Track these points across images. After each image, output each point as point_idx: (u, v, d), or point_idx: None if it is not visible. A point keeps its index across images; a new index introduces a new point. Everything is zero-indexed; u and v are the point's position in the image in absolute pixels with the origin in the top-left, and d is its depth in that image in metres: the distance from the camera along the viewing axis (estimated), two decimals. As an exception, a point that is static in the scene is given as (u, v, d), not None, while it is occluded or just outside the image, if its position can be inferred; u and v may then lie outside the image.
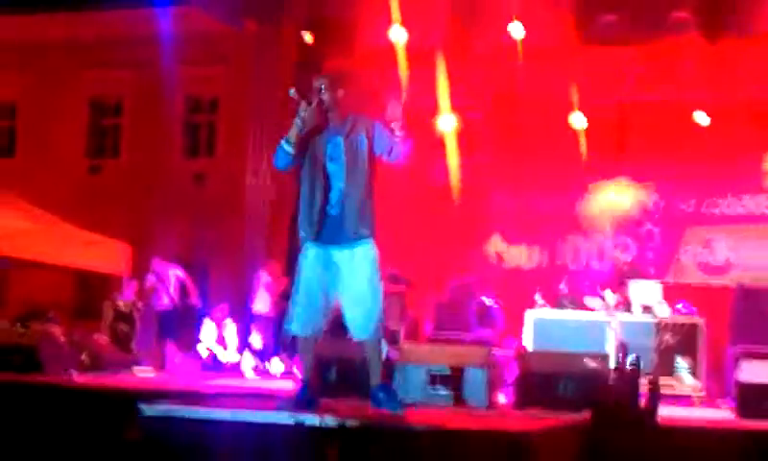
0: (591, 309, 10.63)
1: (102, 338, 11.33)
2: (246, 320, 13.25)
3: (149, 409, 5.06)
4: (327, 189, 5.35)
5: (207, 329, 13.34)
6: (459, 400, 6.95)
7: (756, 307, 10.48)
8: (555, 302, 10.81)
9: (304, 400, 5.31)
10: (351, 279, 5.33)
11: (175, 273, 13.45)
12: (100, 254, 13.18)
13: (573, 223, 15.53)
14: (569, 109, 14.23)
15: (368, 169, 5.39)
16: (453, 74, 14.86)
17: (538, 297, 10.97)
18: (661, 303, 10.30)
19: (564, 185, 15.53)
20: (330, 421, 4.72)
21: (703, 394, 9.81)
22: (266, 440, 4.78)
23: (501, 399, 7.72)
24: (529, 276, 14.97)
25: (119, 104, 19.27)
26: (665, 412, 7.86)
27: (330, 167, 5.36)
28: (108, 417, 6.54)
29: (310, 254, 5.39)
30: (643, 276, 11.20)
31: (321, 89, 5.40)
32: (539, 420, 5.84)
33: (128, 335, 12.54)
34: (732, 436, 5.99)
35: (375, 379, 5.43)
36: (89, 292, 16.94)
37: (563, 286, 11.72)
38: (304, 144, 5.38)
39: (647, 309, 10.27)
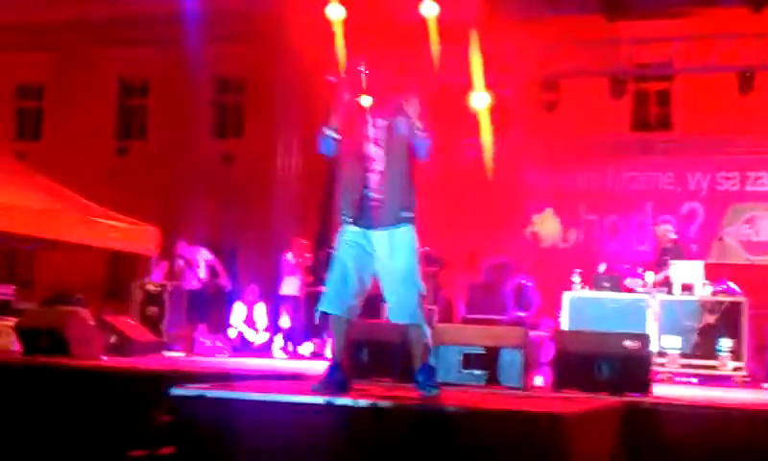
0: (631, 290, 10.56)
1: (131, 320, 11.41)
2: (275, 301, 13.33)
3: (178, 391, 5.10)
4: (368, 172, 5.39)
5: (237, 311, 13.45)
6: (494, 381, 6.94)
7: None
8: (593, 282, 10.74)
9: (336, 381, 5.34)
10: (390, 263, 5.37)
11: (203, 255, 13.55)
12: (128, 235, 13.28)
13: (611, 201, 15.46)
14: (606, 83, 14.10)
15: (408, 153, 5.41)
16: (486, 50, 14.81)
17: (575, 277, 10.90)
18: (703, 282, 10.20)
19: (602, 162, 15.47)
20: (362, 402, 4.74)
21: (745, 375, 9.73)
22: (297, 420, 4.80)
23: (537, 380, 7.70)
24: (565, 255, 14.93)
25: (145, 84, 19.42)
26: (708, 395, 7.83)
27: (372, 150, 5.40)
28: (138, 399, 6.62)
29: (348, 236, 5.45)
30: (686, 255, 11.10)
31: (361, 70, 5.42)
32: (575, 401, 5.83)
33: (157, 317, 12.64)
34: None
35: (417, 362, 5.48)
36: (118, 274, 17.14)
37: (601, 267, 11.66)
38: (349, 125, 5.43)
39: (688, 289, 10.18)
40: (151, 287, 12.99)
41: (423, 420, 4.68)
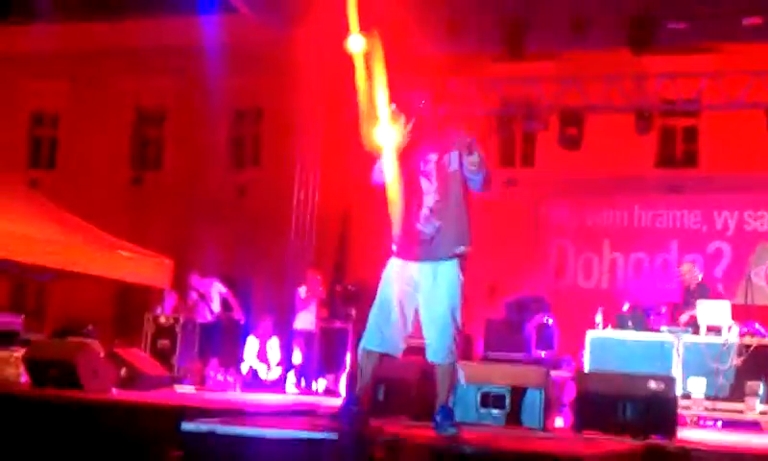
0: (656, 330, 10.49)
1: (142, 353, 11.42)
2: (289, 336, 13.33)
3: (190, 426, 5.08)
4: (419, 206, 5.45)
5: (250, 346, 13.44)
6: (513, 421, 6.90)
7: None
8: (616, 322, 10.68)
9: (353, 415, 5.33)
10: (432, 299, 5.40)
11: (216, 288, 13.58)
12: (141, 266, 13.32)
13: (636, 239, 15.40)
14: (632, 119, 14.10)
15: (461, 188, 5.47)
16: (508, 83, 14.88)
17: (598, 316, 10.84)
18: (730, 324, 10.13)
19: (627, 199, 15.43)
20: (380, 438, 4.72)
21: (775, 420, 9.62)
22: (309, 457, 4.78)
23: (558, 422, 7.65)
24: (589, 294, 14.87)
25: (162, 114, 19.56)
26: (734, 439, 7.74)
27: (423, 184, 5.46)
28: (148, 434, 6.60)
29: (393, 269, 5.49)
30: (712, 295, 11.03)
31: (421, 104, 5.50)
32: (596, 444, 5.78)
33: (168, 351, 12.66)
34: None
35: (440, 401, 5.48)
36: (130, 306, 17.18)
37: (625, 306, 11.60)
38: (401, 158, 5.47)
39: (715, 330, 10.10)
40: (162, 320, 13.02)
41: (440, 458, 4.65)
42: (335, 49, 15.54)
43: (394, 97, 5.63)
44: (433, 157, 5.46)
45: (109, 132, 19.15)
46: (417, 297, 5.44)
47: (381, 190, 5.58)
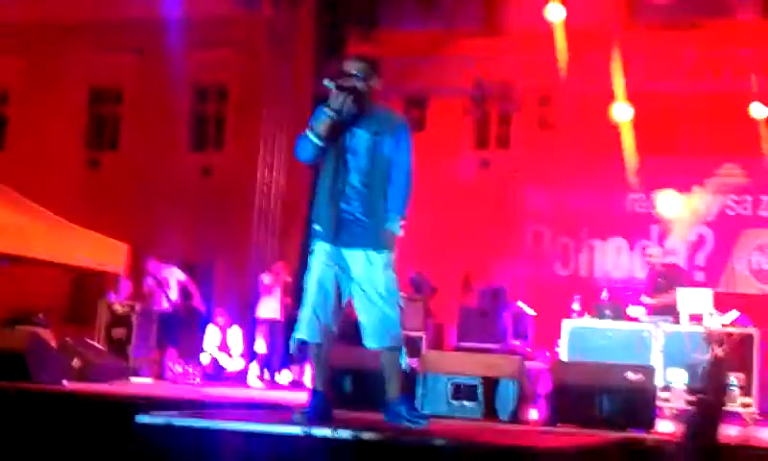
0: (635, 319, 10.52)
1: (96, 343, 11.32)
2: (252, 325, 13.26)
3: (144, 418, 5.02)
4: (345, 185, 5.30)
5: (210, 335, 13.36)
6: (486, 413, 6.88)
7: (816, 319, 10.38)
8: (594, 310, 10.70)
9: (318, 411, 5.26)
10: (364, 284, 5.29)
11: (175, 274, 13.47)
12: (96, 251, 13.18)
13: (616, 224, 15.45)
14: (612, 99, 14.12)
15: (388, 170, 5.35)
16: (484, 64, 14.87)
17: (575, 305, 10.86)
18: (712, 312, 10.17)
19: (606, 183, 15.46)
20: (344, 433, 4.67)
21: (755, 412, 9.68)
22: (272, 452, 4.73)
23: (533, 414, 7.65)
24: (566, 281, 14.92)
25: (119, 92, 19.36)
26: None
27: (351, 162, 5.32)
28: (102, 427, 6.53)
29: (322, 254, 5.34)
30: (685, 281, 11.07)
31: (356, 76, 5.34)
32: (572, 437, 5.78)
33: (124, 340, 12.55)
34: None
35: (393, 392, 5.36)
36: (84, 294, 17.01)
37: (604, 294, 11.63)
38: (335, 136, 5.31)
39: (696, 319, 10.14)
40: (118, 308, 12.90)
41: (410, 453, 4.61)
42: (303, 24, 15.53)
43: (331, 70, 5.51)
44: (364, 134, 5.31)
45: (63, 110, 18.93)
46: (349, 284, 5.33)
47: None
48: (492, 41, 15.44)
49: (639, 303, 10.99)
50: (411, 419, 5.24)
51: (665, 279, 10.82)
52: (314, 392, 5.41)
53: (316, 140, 5.27)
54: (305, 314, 5.32)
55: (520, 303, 12.47)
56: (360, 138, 5.31)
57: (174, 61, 16.75)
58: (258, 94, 16.10)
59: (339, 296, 5.33)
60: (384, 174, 5.32)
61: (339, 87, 5.25)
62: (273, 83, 15.83)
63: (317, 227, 5.36)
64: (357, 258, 5.30)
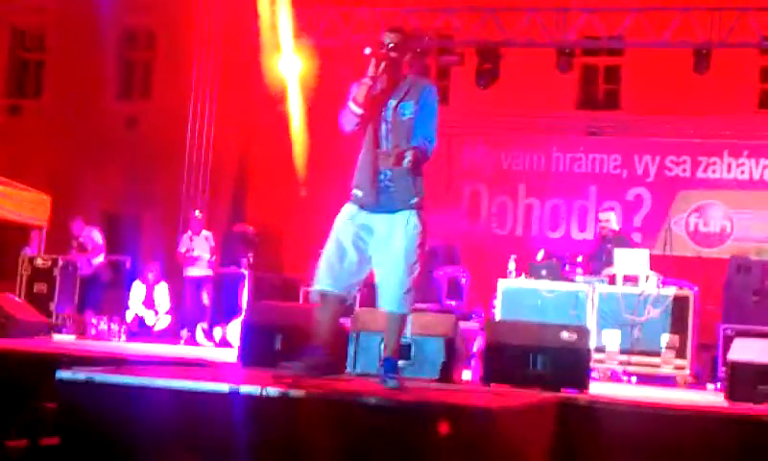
0: (571, 280, 10.66)
1: (16, 298, 11.17)
2: (181, 283, 13.19)
3: (64, 374, 4.98)
4: (379, 154, 5.57)
5: (136, 292, 13.25)
6: (418, 372, 6.94)
7: (751, 282, 10.60)
8: (530, 270, 10.82)
9: (312, 364, 5.37)
10: (387, 246, 5.52)
11: (95, 237, 13.36)
12: (16, 203, 12.99)
13: (553, 183, 15.58)
14: (553, 55, 14.18)
15: (412, 134, 5.56)
16: (423, 14, 14.81)
17: (511, 265, 10.96)
18: (648, 273, 10.34)
19: (545, 142, 15.58)
20: (272, 391, 4.69)
21: (689, 375, 9.90)
22: (197, 410, 4.73)
23: (466, 374, 7.73)
24: (502, 241, 15.03)
25: (41, 35, 18.99)
26: (648, 394, 7.95)
27: (382, 131, 5.58)
28: (20, 384, 6.48)
29: (348, 214, 5.61)
30: (629, 244, 11.26)
31: (389, 46, 5.59)
32: (505, 396, 5.86)
33: (46, 296, 12.40)
34: (720, 422, 6.01)
35: (386, 352, 5.65)
36: (4, 247, 16.75)
37: (539, 254, 11.75)
38: (372, 104, 5.56)
39: (631, 280, 10.30)
40: (39, 262, 12.73)
41: (339, 410, 4.65)
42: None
43: (367, 41, 5.68)
44: (392, 102, 5.58)
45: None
46: (371, 244, 5.57)
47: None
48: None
49: (576, 265, 11.13)
50: (384, 378, 5.48)
51: (615, 245, 10.95)
52: (313, 345, 5.51)
53: (354, 108, 5.53)
54: (321, 266, 5.57)
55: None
56: (389, 107, 5.59)
57: (100, 3, 16.44)
58: (189, 40, 15.89)
59: (359, 257, 5.55)
60: (407, 139, 5.55)
61: (375, 56, 5.52)
62: (205, 28, 15.64)
63: (357, 191, 5.63)
64: (380, 221, 5.57)
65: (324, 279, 5.53)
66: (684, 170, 15.08)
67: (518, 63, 14.76)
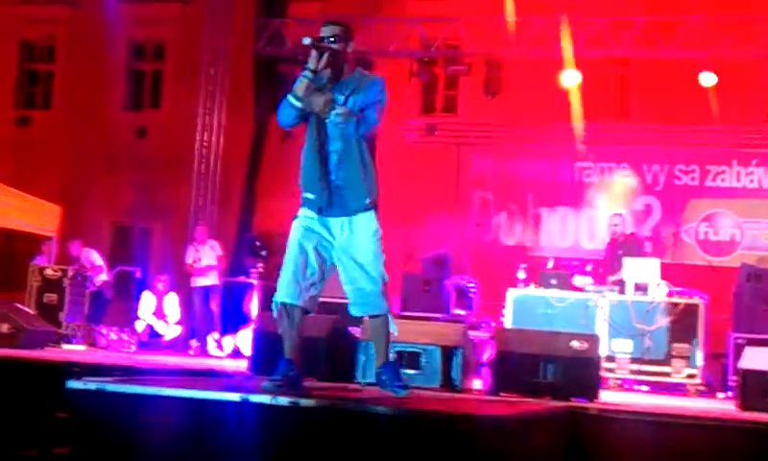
0: (580, 289, 10.66)
1: (26, 308, 11.18)
2: (190, 293, 13.21)
3: (76, 384, 4.98)
4: (326, 152, 5.39)
5: (146, 302, 13.27)
6: (428, 381, 6.93)
7: (762, 291, 10.57)
8: (539, 280, 10.82)
9: (288, 379, 5.27)
10: (346, 252, 5.37)
11: (93, 257, 13.40)
12: (26, 213, 13.01)
13: (562, 193, 15.56)
14: (561, 65, 14.18)
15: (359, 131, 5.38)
16: (432, 23, 14.83)
17: (521, 274, 10.97)
18: (658, 282, 10.33)
19: (553, 151, 15.56)
20: (282, 400, 4.68)
21: (700, 384, 9.88)
22: (208, 419, 4.73)
23: (476, 383, 7.72)
24: (511, 250, 15.01)
25: (52, 47, 19.03)
26: (659, 403, 7.93)
27: (329, 128, 5.38)
28: (31, 394, 6.48)
29: (304, 220, 5.44)
30: (641, 250, 11.25)
31: (331, 39, 5.39)
32: (515, 405, 5.84)
33: (56, 306, 12.41)
34: (731, 430, 5.99)
35: (379, 358, 5.52)
36: (14, 258, 16.78)
37: (549, 263, 11.75)
38: (312, 98, 5.36)
39: (642, 289, 10.29)
40: (49, 272, 12.74)
41: (349, 420, 4.64)
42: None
43: (306, 32, 5.56)
44: (339, 98, 5.38)
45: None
46: (332, 250, 5.42)
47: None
48: (439, 2, 15.43)
49: (586, 273, 11.12)
50: (392, 387, 5.38)
51: (626, 251, 10.94)
52: (283, 359, 5.42)
53: (294, 101, 5.35)
54: (284, 277, 5.40)
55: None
56: (336, 102, 5.35)
57: (109, 15, 16.48)
58: (197, 52, 15.94)
59: (321, 264, 5.40)
60: (358, 139, 5.35)
61: (315, 47, 5.33)
62: (212, 41, 15.68)
63: (308, 195, 5.44)
64: (339, 226, 5.40)
65: (286, 292, 5.36)
66: (693, 179, 15.05)
67: (526, 73, 14.76)
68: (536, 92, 14.93)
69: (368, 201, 5.40)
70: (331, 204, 5.38)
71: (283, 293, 5.37)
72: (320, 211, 5.40)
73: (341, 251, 5.39)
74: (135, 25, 17.66)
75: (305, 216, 5.44)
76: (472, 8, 14.66)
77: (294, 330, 5.43)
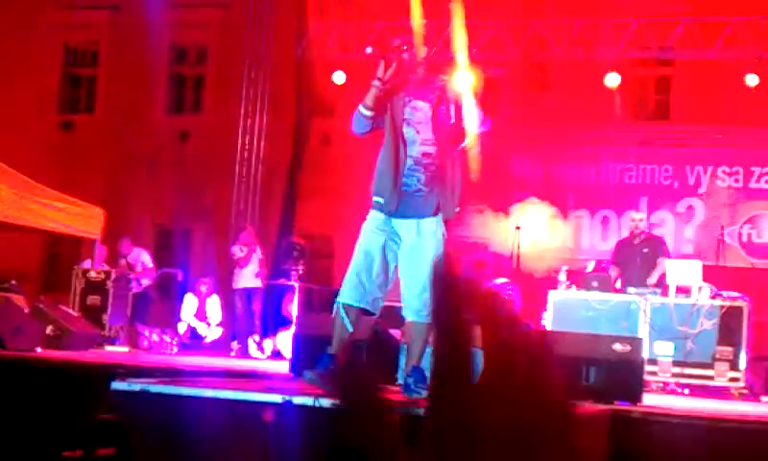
0: (622, 291, 10.59)
1: (70, 310, 11.29)
2: (231, 295, 13.27)
3: (120, 385, 5.02)
4: (407, 158, 5.44)
5: (188, 304, 13.36)
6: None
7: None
8: (581, 282, 10.75)
9: (330, 371, 5.30)
10: (414, 254, 5.41)
11: (144, 258, 13.48)
12: (70, 217, 13.14)
13: (603, 195, 15.45)
14: (605, 66, 14.09)
15: (450, 141, 5.49)
16: (472, 24, 14.77)
17: (562, 276, 10.91)
18: (701, 284, 10.23)
19: (595, 153, 15.46)
20: (324, 402, 4.69)
21: (743, 387, 9.77)
22: (250, 420, 4.75)
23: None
24: (552, 252, 14.91)
25: (95, 51, 19.20)
26: (701, 406, 7.85)
27: (409, 134, 5.46)
28: (76, 395, 6.53)
29: (373, 223, 5.50)
30: (662, 254, 11.10)
31: (402, 47, 5.50)
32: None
33: (99, 308, 12.53)
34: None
35: (411, 361, 5.54)
36: (58, 259, 16.99)
37: (590, 265, 11.67)
38: (384, 106, 5.48)
39: (684, 292, 10.21)
40: (93, 274, 12.86)
41: (393, 423, 4.63)
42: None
43: (371, 41, 5.63)
44: (423, 105, 5.46)
45: (36, 71, 18.74)
46: (398, 252, 5.47)
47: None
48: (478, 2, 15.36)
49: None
50: (417, 390, 5.38)
51: (649, 250, 10.87)
52: (327, 354, 5.46)
53: (363, 110, 5.47)
54: (349, 279, 5.46)
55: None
56: (414, 107, 5.47)
57: (152, 20, 16.60)
58: (239, 56, 16.02)
59: (386, 266, 5.46)
60: (444, 146, 5.45)
61: (382, 57, 5.45)
62: (253, 45, 15.76)
63: (378, 198, 5.50)
64: (408, 228, 5.45)
65: (351, 294, 5.42)
66: (737, 180, 14.88)
67: (568, 74, 14.69)
68: (578, 94, 14.85)
69: (444, 208, 5.45)
70: (402, 207, 5.43)
71: (346, 294, 5.44)
72: (390, 214, 5.46)
73: (406, 254, 5.44)
74: (177, 30, 17.76)
75: (375, 219, 5.50)
76: (514, 7, 14.61)
77: (346, 330, 5.49)
